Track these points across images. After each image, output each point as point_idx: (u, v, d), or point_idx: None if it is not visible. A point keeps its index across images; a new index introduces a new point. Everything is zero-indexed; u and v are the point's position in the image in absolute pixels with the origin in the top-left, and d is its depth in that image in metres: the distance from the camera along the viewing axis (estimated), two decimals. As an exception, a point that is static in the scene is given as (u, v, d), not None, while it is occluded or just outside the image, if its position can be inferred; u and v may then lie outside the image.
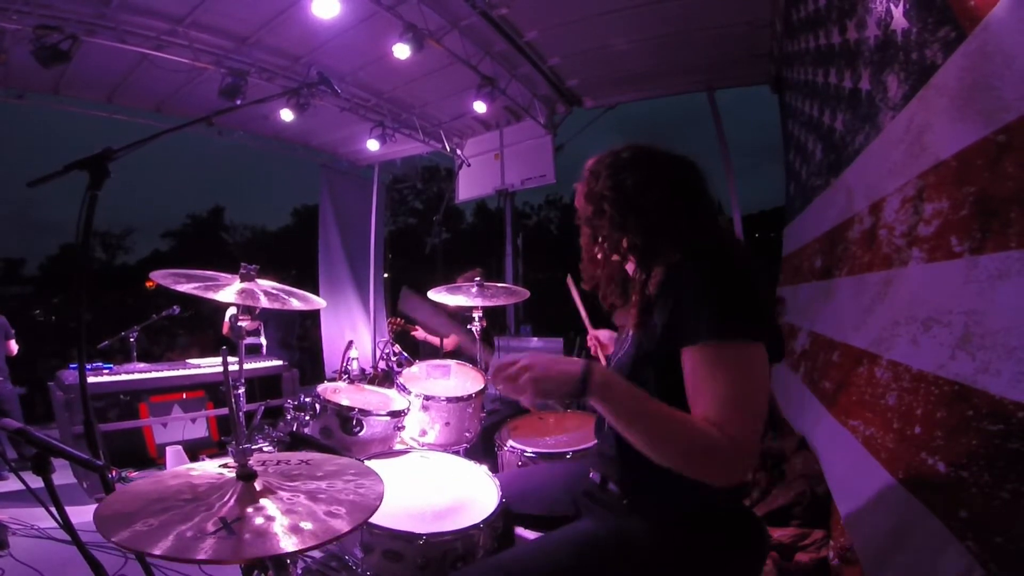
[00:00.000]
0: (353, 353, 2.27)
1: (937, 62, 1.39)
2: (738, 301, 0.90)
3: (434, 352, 3.82)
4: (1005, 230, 1.08)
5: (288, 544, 0.73)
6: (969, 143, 1.22)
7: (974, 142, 1.20)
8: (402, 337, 3.94)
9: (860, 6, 2.04)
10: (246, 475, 0.86)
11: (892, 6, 1.69)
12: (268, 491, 0.85)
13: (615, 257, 1.11)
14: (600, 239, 1.11)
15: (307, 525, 0.77)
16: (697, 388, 0.88)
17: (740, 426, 0.84)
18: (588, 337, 1.70)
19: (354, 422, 1.72)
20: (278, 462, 0.97)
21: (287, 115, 5.33)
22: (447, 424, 1.97)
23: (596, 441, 1.25)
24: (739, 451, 0.83)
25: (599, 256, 1.16)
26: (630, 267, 1.11)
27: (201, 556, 0.69)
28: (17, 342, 4.32)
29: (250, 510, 0.79)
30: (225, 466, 0.93)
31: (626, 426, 0.87)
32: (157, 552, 0.69)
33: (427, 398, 1.95)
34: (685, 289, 0.93)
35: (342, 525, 0.79)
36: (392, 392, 2.06)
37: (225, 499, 0.81)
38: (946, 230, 1.33)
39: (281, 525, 0.77)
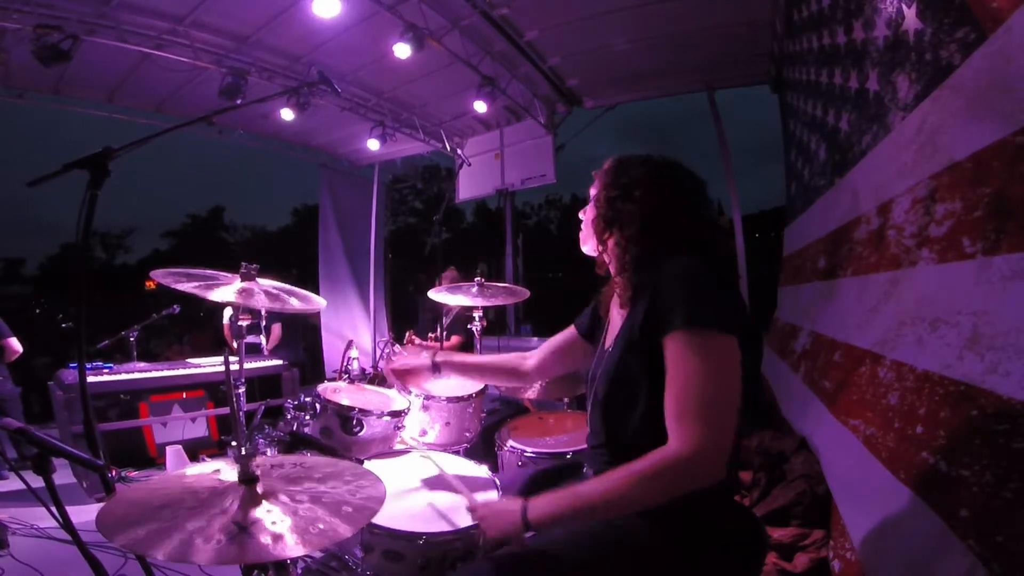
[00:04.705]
0: (353, 353, 2.26)
1: (954, 63, 1.37)
2: (711, 293, 0.95)
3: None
4: (1021, 231, 1.08)
5: (300, 546, 0.73)
6: (986, 144, 1.21)
7: (991, 143, 1.19)
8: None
9: (868, 6, 2.02)
10: (248, 479, 0.85)
11: (904, 7, 1.68)
12: (271, 494, 0.84)
13: (627, 244, 1.13)
14: (618, 223, 1.14)
15: (316, 527, 0.77)
16: (670, 376, 0.92)
17: (696, 426, 0.86)
18: None
19: (354, 422, 1.72)
20: (272, 466, 0.97)
21: (287, 115, 5.33)
22: (447, 424, 1.97)
23: None
24: (698, 455, 0.86)
25: (609, 240, 1.17)
26: (620, 256, 1.14)
27: (215, 559, 0.69)
28: (21, 342, 4.29)
29: (256, 513, 0.79)
30: (218, 471, 0.92)
31: (589, 518, 0.96)
32: (163, 556, 0.68)
33: (427, 398, 1.94)
34: (664, 280, 0.98)
35: (350, 526, 0.78)
36: (392, 392, 2.06)
37: (229, 503, 0.81)
38: (958, 231, 1.33)
39: (290, 527, 0.77)
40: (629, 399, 1.04)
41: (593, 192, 1.22)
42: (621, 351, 1.07)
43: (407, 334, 3.89)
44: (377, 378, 3.06)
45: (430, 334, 3.98)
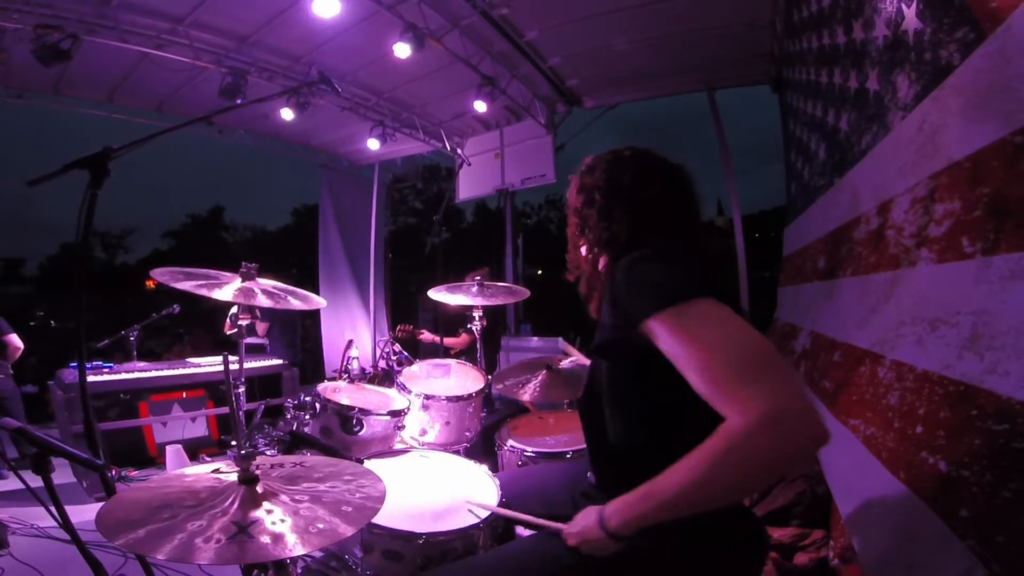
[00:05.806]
0: (353, 352, 2.27)
1: (953, 63, 1.37)
2: (673, 272, 0.89)
3: (435, 351, 3.82)
4: (1020, 231, 1.07)
5: (300, 546, 0.73)
6: (985, 144, 1.21)
7: (990, 143, 1.19)
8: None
9: (867, 6, 2.02)
10: (248, 479, 0.85)
11: (904, 6, 1.68)
12: (271, 494, 0.84)
13: (595, 249, 1.13)
14: (586, 230, 1.13)
15: (316, 526, 0.77)
16: (682, 367, 0.80)
17: (750, 386, 0.72)
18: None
19: (354, 421, 1.72)
20: (271, 465, 0.97)
21: (287, 114, 5.33)
22: (447, 423, 1.97)
23: None
24: (772, 414, 0.70)
25: (583, 247, 1.17)
26: (601, 261, 1.13)
27: (215, 560, 0.69)
28: (23, 340, 4.29)
29: (256, 513, 0.79)
30: (217, 471, 0.92)
31: (672, 512, 0.82)
32: (163, 557, 0.68)
33: (427, 397, 1.95)
34: (620, 277, 0.94)
35: (350, 525, 0.79)
36: (392, 391, 2.06)
37: (228, 503, 0.81)
38: (958, 231, 1.32)
39: (290, 527, 0.77)
40: (600, 405, 1.05)
41: (571, 203, 1.19)
42: (591, 354, 1.08)
43: (399, 327, 3.87)
44: (377, 378, 3.07)
45: (461, 331, 4.01)
